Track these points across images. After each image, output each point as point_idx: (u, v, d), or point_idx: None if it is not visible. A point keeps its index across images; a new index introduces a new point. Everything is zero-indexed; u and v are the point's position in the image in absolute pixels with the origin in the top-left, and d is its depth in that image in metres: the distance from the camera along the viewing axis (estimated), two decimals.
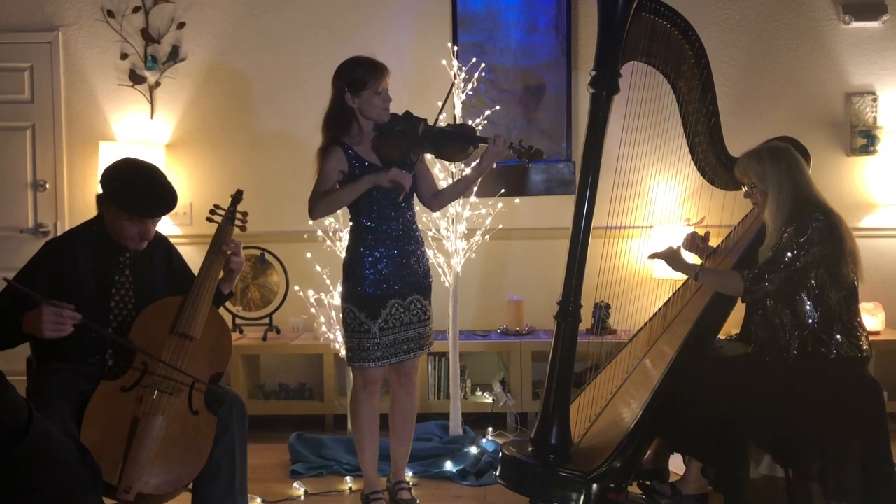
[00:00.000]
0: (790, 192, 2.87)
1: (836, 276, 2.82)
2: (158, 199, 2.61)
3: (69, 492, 1.60)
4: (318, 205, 3.00)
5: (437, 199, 3.17)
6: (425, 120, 3.03)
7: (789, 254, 2.79)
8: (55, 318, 2.32)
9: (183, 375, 2.48)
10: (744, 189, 3.05)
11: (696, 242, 3.28)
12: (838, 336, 2.81)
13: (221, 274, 2.76)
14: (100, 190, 2.64)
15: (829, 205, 2.87)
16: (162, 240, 2.81)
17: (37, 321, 2.32)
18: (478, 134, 3.06)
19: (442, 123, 3.12)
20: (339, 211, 3.96)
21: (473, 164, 3.13)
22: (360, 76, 2.98)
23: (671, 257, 3.07)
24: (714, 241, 3.36)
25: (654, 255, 3.13)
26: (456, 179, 3.20)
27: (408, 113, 3.04)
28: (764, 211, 2.95)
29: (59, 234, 4.41)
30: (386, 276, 3.03)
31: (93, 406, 2.40)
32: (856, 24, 4.40)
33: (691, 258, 3.34)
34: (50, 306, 2.33)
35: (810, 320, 2.82)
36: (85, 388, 2.46)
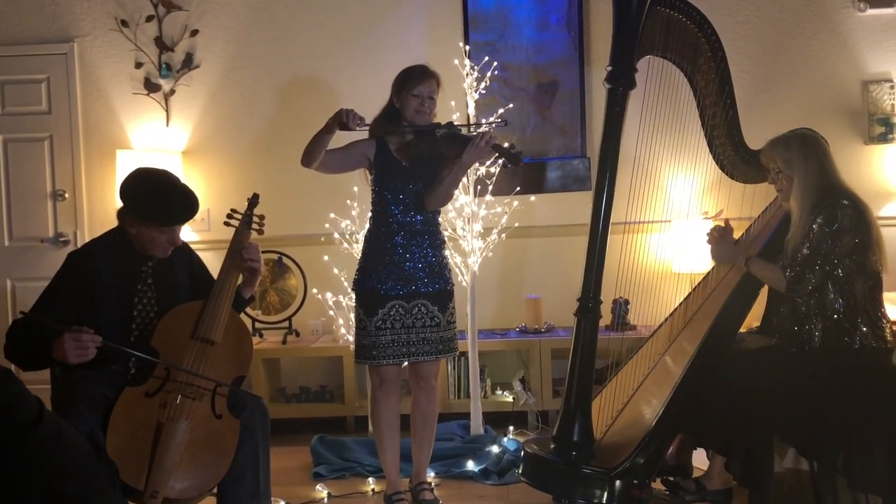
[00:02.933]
0: (816, 178, 2.85)
1: (863, 265, 2.80)
2: (183, 204, 2.63)
3: (84, 486, 1.61)
4: (307, 146, 3.05)
5: (427, 198, 3.10)
6: (451, 126, 3.06)
7: (825, 245, 2.77)
8: (76, 345, 2.36)
9: (205, 380, 2.49)
10: (769, 175, 3.03)
11: (720, 236, 3.27)
12: (863, 327, 2.79)
13: (241, 278, 2.77)
14: (119, 204, 2.66)
15: (854, 192, 2.86)
16: (183, 247, 2.82)
17: (61, 350, 2.37)
18: (470, 133, 3.10)
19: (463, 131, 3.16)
20: (355, 213, 4.02)
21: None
22: (405, 76, 3.11)
23: (725, 252, 3.10)
24: (735, 234, 3.33)
25: (716, 259, 3.14)
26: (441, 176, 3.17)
27: (449, 123, 3.09)
28: (789, 197, 2.94)
29: (78, 243, 4.48)
30: (389, 277, 3.05)
31: (117, 413, 2.42)
32: (871, 12, 4.35)
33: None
34: (70, 333, 2.36)
35: (835, 310, 2.80)
36: (110, 395, 2.48)
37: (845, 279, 2.80)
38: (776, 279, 2.92)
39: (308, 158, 3.06)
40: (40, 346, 2.42)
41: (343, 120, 2.95)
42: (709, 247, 3.26)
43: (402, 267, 3.06)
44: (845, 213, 2.76)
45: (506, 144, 3.02)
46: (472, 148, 2.97)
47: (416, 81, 3.07)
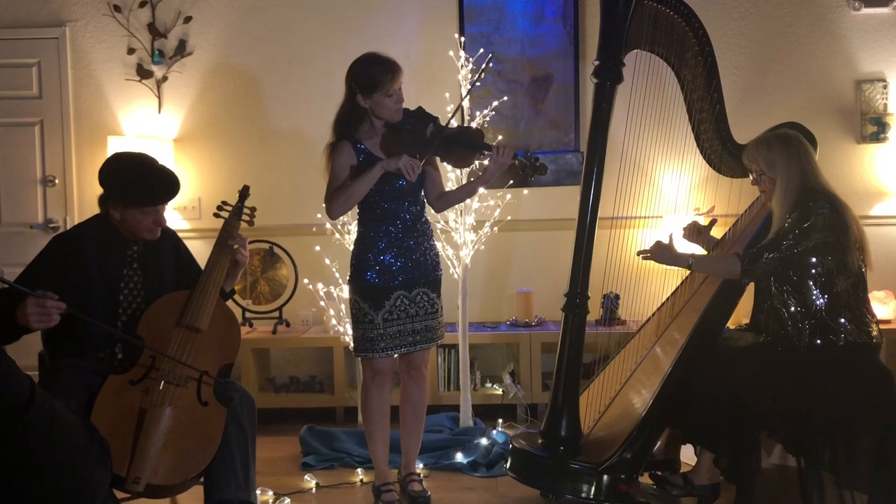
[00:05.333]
0: (798, 179, 2.86)
1: (843, 263, 2.81)
2: (163, 183, 2.63)
3: (77, 466, 1.60)
4: (335, 203, 2.98)
5: (441, 201, 3.15)
6: (436, 120, 3.01)
7: (790, 236, 2.79)
8: (38, 310, 2.30)
9: (190, 368, 2.48)
10: (751, 176, 3.03)
11: (696, 232, 3.27)
12: (847, 323, 2.80)
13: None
14: (100, 191, 2.64)
15: (835, 193, 2.86)
16: (169, 233, 2.82)
17: (23, 315, 2.32)
18: (484, 141, 3.00)
19: (453, 122, 3.08)
20: None
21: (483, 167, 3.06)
22: (371, 78, 2.93)
23: (660, 252, 3.04)
24: (721, 230, 3.34)
25: (643, 254, 3.08)
26: (460, 185, 3.17)
27: (420, 110, 3.02)
28: (771, 198, 2.94)
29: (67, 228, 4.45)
30: (390, 268, 3.03)
31: (101, 400, 2.41)
32: (865, 11, 4.36)
33: (695, 249, 3.32)
34: (32, 298, 2.31)
35: (818, 308, 2.82)
36: (94, 383, 2.47)
37: (826, 277, 2.81)
38: (727, 267, 2.91)
39: (343, 211, 3.00)
40: (4, 314, 2.38)
41: (407, 173, 2.87)
42: (691, 245, 3.27)
43: (402, 257, 3.03)
44: (821, 213, 2.77)
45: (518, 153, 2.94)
46: (493, 163, 2.92)
47: (388, 82, 2.91)
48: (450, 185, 3.89)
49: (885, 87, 4.36)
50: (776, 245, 2.81)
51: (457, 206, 3.95)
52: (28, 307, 2.30)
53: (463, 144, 2.99)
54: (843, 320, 2.80)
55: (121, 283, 2.65)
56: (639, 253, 3.09)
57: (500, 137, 4.24)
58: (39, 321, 2.32)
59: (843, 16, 4.39)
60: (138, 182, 2.59)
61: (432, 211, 3.22)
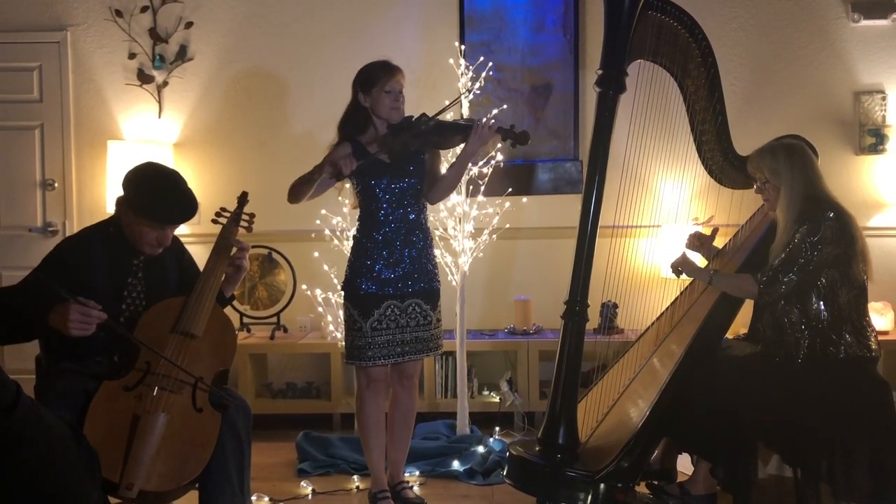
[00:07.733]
0: (802, 188, 2.86)
1: (847, 274, 2.81)
2: (179, 207, 2.60)
3: (64, 473, 1.59)
4: (291, 188, 3.04)
5: (434, 190, 3.14)
6: (432, 118, 3.03)
7: (803, 254, 2.78)
8: (82, 318, 2.32)
9: (185, 373, 2.48)
10: (755, 184, 3.04)
11: (698, 242, 3.27)
12: (847, 336, 2.80)
13: (224, 276, 2.76)
14: (120, 192, 2.64)
15: (839, 203, 2.87)
16: (175, 242, 2.80)
17: (63, 318, 2.32)
18: (470, 122, 3.07)
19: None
20: (346, 210, 4.01)
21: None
22: (370, 74, 3.05)
23: (685, 264, 3.08)
24: (721, 241, 3.34)
25: (674, 267, 3.11)
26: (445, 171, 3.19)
27: (422, 115, 3.06)
28: (775, 207, 2.95)
29: (67, 233, 4.46)
30: (382, 277, 3.03)
31: (95, 406, 2.40)
32: (865, 23, 4.38)
33: (696, 257, 3.32)
34: (77, 304, 2.32)
35: (820, 319, 2.81)
36: (91, 388, 2.46)
37: (829, 288, 2.81)
38: (745, 287, 2.92)
39: (297, 198, 3.04)
40: (33, 312, 2.36)
41: (340, 171, 2.92)
42: (688, 254, 3.27)
43: (397, 266, 3.03)
44: (829, 224, 2.77)
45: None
46: (474, 136, 2.98)
47: (386, 78, 3.03)
48: (454, 196, 3.90)
49: (883, 98, 4.37)
50: (791, 265, 2.80)
51: (456, 212, 3.96)
52: (71, 313, 2.30)
53: (452, 129, 3.06)
54: (844, 333, 2.80)
55: (124, 291, 2.64)
56: (672, 266, 3.11)
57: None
58: (80, 329, 2.32)
59: (843, 27, 4.41)
60: (154, 195, 2.56)
61: (431, 217, 3.22)
